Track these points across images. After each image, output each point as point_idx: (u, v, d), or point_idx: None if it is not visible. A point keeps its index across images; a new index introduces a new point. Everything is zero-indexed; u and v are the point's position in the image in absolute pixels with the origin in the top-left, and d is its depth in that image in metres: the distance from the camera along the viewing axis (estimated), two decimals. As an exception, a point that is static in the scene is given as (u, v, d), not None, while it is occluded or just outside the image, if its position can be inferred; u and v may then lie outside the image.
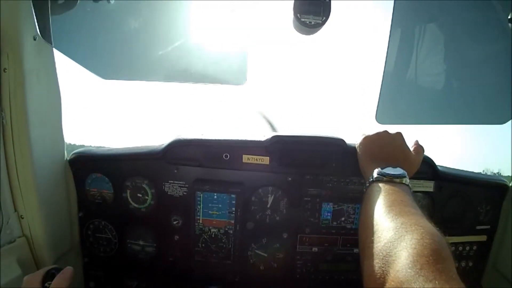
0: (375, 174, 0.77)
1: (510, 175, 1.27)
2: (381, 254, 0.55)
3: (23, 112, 0.81)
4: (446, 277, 0.46)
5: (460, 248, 1.14)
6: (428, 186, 1.07)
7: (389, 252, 0.54)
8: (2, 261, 0.79)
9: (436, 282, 0.45)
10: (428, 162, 1.05)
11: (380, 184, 0.73)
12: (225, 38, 0.91)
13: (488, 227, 1.15)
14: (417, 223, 0.57)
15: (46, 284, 0.69)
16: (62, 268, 0.73)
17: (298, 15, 0.82)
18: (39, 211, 0.87)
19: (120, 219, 1.07)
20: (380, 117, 0.92)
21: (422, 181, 1.06)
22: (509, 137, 1.01)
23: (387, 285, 0.51)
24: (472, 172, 1.17)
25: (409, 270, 0.48)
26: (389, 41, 0.82)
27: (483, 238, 1.15)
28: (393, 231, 0.57)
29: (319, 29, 0.85)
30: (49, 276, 0.70)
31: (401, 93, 0.96)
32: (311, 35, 0.89)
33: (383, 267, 0.53)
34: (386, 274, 0.52)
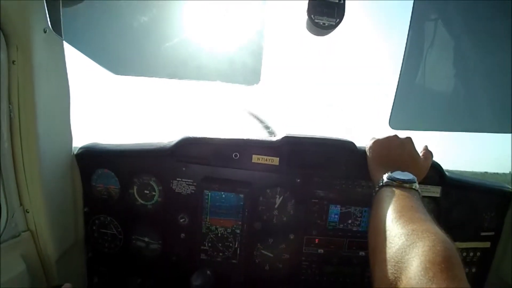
0: (385, 179, 0.77)
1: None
2: (392, 260, 0.56)
3: (31, 106, 0.79)
4: (457, 284, 0.47)
5: (464, 254, 1.14)
6: (435, 191, 1.07)
7: (401, 259, 0.54)
8: (7, 255, 0.78)
9: None
10: (436, 168, 1.05)
11: (390, 189, 0.73)
12: (239, 37, 0.90)
13: (492, 233, 1.15)
14: (428, 229, 0.57)
15: None
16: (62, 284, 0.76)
17: (312, 16, 0.82)
18: (45, 205, 0.86)
19: (125, 215, 1.07)
20: (394, 123, 0.91)
21: (429, 186, 1.06)
22: None
23: None
24: (479, 179, 1.17)
25: (421, 278, 0.48)
26: (406, 46, 0.82)
27: (486, 244, 1.15)
28: (405, 238, 0.57)
29: (332, 31, 0.84)
30: None
31: (416, 100, 0.96)
32: (325, 37, 0.89)
33: (395, 273, 0.54)
34: (398, 281, 0.52)
